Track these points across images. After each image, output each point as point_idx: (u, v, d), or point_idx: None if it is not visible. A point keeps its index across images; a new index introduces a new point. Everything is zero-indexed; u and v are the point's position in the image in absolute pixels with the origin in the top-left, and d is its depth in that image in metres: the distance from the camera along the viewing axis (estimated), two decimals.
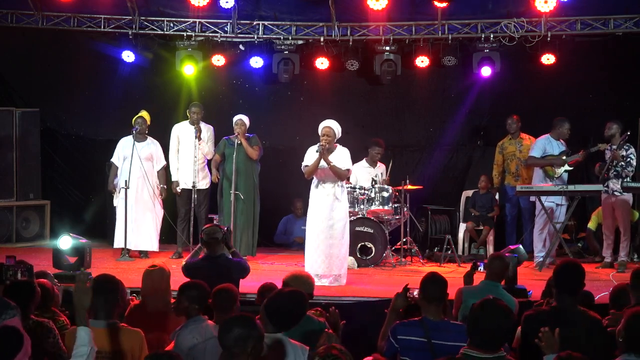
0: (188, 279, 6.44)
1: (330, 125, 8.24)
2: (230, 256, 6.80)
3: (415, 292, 4.98)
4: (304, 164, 8.36)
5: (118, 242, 9.89)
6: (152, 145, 10.07)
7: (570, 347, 4.30)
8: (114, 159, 10.05)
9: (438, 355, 4.44)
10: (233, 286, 5.42)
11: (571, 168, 9.84)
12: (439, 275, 4.88)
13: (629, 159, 9.44)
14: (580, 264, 5.02)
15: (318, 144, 8.20)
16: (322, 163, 8.19)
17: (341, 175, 8.31)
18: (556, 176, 9.77)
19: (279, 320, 4.31)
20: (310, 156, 8.28)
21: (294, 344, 4.21)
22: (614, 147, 9.48)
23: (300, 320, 4.37)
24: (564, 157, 9.78)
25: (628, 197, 9.54)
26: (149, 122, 10.03)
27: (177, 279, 6.76)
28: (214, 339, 4.40)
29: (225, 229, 6.82)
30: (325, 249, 8.21)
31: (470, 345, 3.96)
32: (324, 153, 8.11)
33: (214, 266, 6.38)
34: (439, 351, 4.47)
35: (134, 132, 9.85)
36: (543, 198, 9.59)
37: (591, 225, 10.44)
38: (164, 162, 10.19)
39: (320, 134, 8.25)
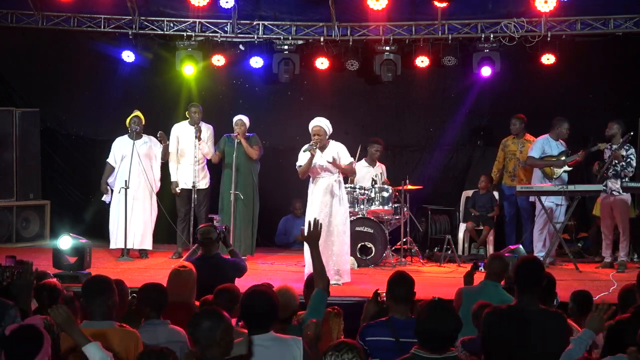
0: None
1: (320, 124, 8.27)
2: (229, 255, 6.81)
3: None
4: (297, 163, 8.38)
5: (115, 243, 9.89)
6: (149, 143, 10.09)
7: (534, 347, 4.30)
8: (110, 160, 10.04)
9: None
10: (235, 286, 5.42)
11: (571, 168, 9.84)
12: (406, 275, 4.88)
13: (629, 159, 9.45)
14: (540, 261, 4.99)
15: (309, 144, 8.22)
16: (315, 161, 8.22)
17: (351, 171, 8.47)
18: (555, 176, 9.77)
19: (251, 321, 4.29)
20: (304, 156, 8.30)
21: (282, 338, 4.21)
22: (615, 146, 9.49)
23: (271, 320, 4.30)
24: (564, 158, 9.79)
25: (627, 197, 9.55)
26: (143, 121, 10.03)
27: None
28: (167, 344, 4.38)
29: (224, 227, 6.84)
30: (325, 246, 8.20)
31: (419, 345, 4.01)
32: (313, 152, 8.13)
33: (208, 266, 6.39)
34: (408, 349, 4.48)
35: (133, 132, 9.85)
36: (543, 198, 9.60)
37: (596, 212, 10.41)
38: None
39: (311, 133, 8.28)
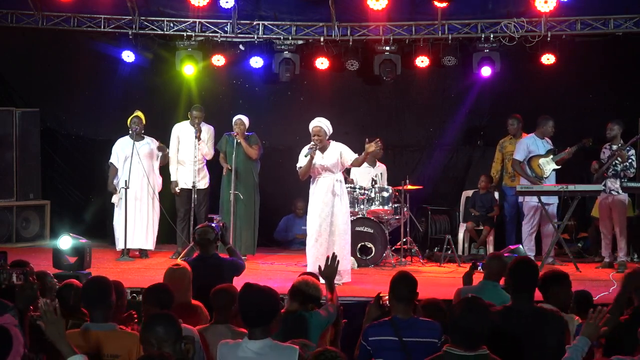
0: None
1: (320, 124, 8.27)
2: (227, 253, 6.82)
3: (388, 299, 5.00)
4: (298, 165, 8.38)
5: (119, 243, 9.90)
6: (151, 144, 10.11)
7: (530, 347, 4.30)
8: (112, 160, 10.06)
9: (410, 352, 4.50)
10: (232, 286, 5.42)
11: (559, 167, 9.84)
12: (408, 274, 4.91)
13: (630, 160, 9.48)
14: (534, 262, 4.98)
15: (309, 145, 8.22)
16: (316, 161, 8.22)
17: (362, 161, 8.51)
18: (545, 176, 9.76)
19: (249, 319, 4.29)
20: (303, 157, 8.30)
21: (279, 346, 4.21)
22: (615, 147, 9.51)
23: (272, 318, 4.29)
24: (552, 156, 9.80)
25: (624, 197, 9.57)
26: (144, 122, 10.05)
27: None
28: None
29: (222, 224, 6.84)
30: (327, 246, 8.20)
31: (452, 343, 4.02)
32: (313, 154, 8.14)
33: (205, 266, 6.41)
34: (411, 348, 4.52)
35: (134, 133, 9.86)
36: (528, 197, 9.64)
37: (595, 213, 10.40)
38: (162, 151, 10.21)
39: (311, 134, 8.28)
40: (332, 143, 8.38)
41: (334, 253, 5.73)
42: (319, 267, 5.61)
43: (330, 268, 5.48)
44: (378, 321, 4.79)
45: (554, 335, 4.25)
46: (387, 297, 5.02)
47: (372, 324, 4.78)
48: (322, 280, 5.54)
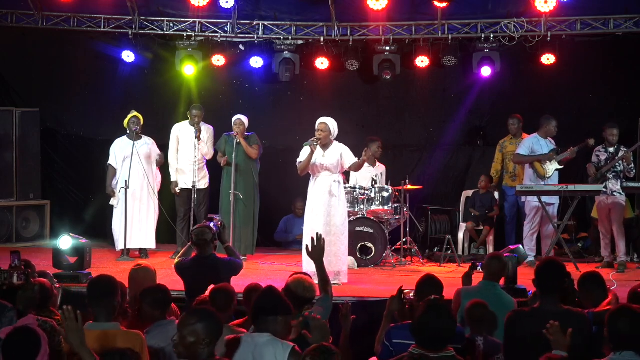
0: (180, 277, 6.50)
1: (325, 122, 8.27)
2: (225, 251, 6.82)
3: (411, 294, 4.98)
4: (298, 159, 8.37)
5: (119, 244, 9.89)
6: (149, 144, 10.11)
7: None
8: (111, 161, 10.05)
9: None
10: (230, 286, 5.43)
11: (562, 167, 9.84)
12: (435, 278, 4.91)
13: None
14: (560, 262, 4.99)
15: (310, 139, 8.21)
16: (316, 159, 8.21)
17: (359, 166, 8.45)
18: (547, 176, 9.76)
19: (252, 313, 4.38)
20: (304, 151, 8.29)
21: (274, 340, 4.24)
22: (610, 149, 9.54)
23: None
24: (555, 156, 9.80)
25: (622, 199, 9.58)
26: (142, 121, 10.05)
27: (177, 279, 6.81)
28: None
29: (220, 223, 6.84)
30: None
31: (417, 344, 4.07)
32: (314, 147, 8.12)
33: (201, 266, 6.42)
34: None
35: (133, 132, 9.86)
36: (530, 197, 9.64)
37: (594, 214, 10.41)
38: (160, 152, 10.22)
39: (315, 129, 8.28)
40: (335, 143, 8.37)
41: (317, 233, 5.64)
42: (306, 247, 5.51)
43: (317, 248, 5.38)
44: (402, 323, 4.78)
45: (580, 335, 4.27)
46: (408, 292, 5.02)
47: (397, 326, 4.76)
48: (315, 280, 5.50)
